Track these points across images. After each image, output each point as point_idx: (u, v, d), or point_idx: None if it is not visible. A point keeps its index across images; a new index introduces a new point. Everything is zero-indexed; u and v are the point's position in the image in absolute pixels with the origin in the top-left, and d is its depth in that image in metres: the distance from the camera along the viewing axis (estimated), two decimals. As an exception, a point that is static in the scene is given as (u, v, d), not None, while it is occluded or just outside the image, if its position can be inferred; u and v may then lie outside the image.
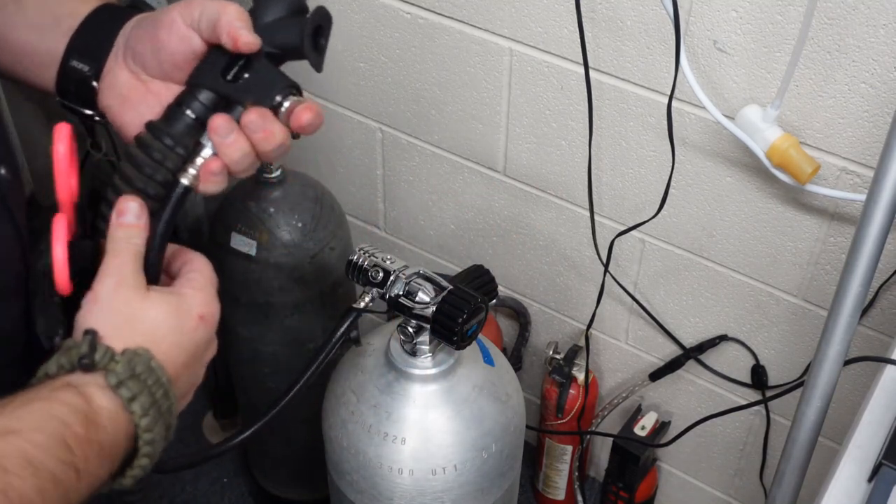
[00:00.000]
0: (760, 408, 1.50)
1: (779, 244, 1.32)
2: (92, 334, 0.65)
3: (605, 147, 1.38)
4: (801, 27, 1.08)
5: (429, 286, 1.10)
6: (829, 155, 1.20)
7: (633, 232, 1.41)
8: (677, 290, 1.47)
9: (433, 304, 1.08)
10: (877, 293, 1.27)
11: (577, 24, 1.22)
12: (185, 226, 1.66)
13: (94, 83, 0.76)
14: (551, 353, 1.63)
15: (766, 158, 1.19)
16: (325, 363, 1.10)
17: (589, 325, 1.54)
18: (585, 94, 1.29)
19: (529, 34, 1.35)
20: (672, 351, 1.54)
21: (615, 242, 1.43)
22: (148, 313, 0.67)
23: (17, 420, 0.59)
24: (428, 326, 1.09)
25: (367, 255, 1.13)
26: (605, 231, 1.46)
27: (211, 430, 1.96)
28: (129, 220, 0.69)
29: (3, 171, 0.77)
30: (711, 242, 1.38)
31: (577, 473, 1.75)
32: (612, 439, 1.64)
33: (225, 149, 0.70)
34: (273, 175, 1.42)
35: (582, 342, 1.59)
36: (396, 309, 1.11)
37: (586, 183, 1.39)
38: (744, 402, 1.50)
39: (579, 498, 1.77)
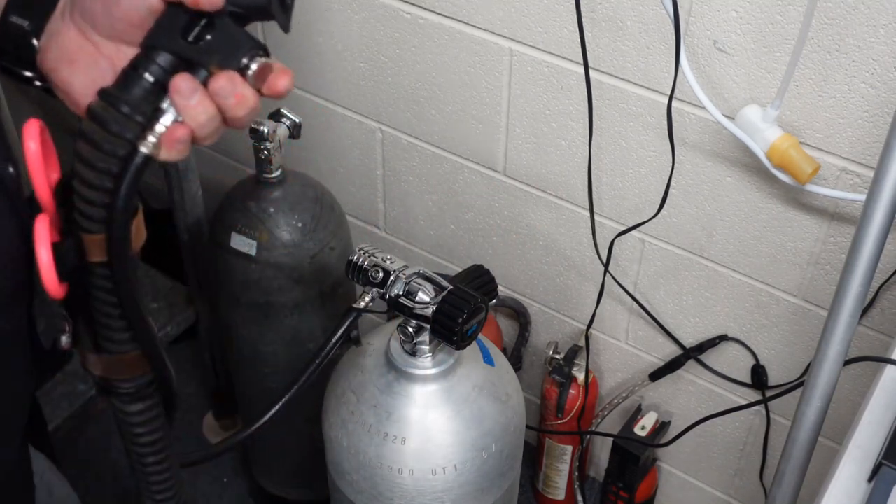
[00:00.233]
0: (760, 408, 1.50)
1: (779, 244, 1.32)
2: None
3: (605, 147, 1.38)
4: (801, 27, 1.08)
5: (429, 286, 1.10)
6: (829, 155, 1.20)
7: (633, 232, 1.41)
8: (677, 290, 1.47)
9: (433, 304, 1.08)
10: (877, 293, 1.27)
11: (577, 24, 1.22)
12: (186, 226, 1.66)
13: (35, 41, 0.68)
14: (551, 353, 1.63)
15: (766, 158, 1.19)
16: (324, 363, 1.10)
17: (589, 325, 1.54)
18: (585, 94, 1.29)
19: (529, 34, 1.35)
20: (672, 351, 1.54)
21: (615, 242, 1.43)
22: None
23: None
24: (428, 326, 1.09)
25: (367, 255, 1.13)
26: (605, 231, 1.46)
27: (211, 430, 1.96)
28: None
29: (10, 169, 0.76)
30: (711, 242, 1.38)
31: (577, 473, 1.75)
32: (612, 439, 1.64)
33: (190, 111, 0.64)
34: (273, 175, 1.41)
35: (582, 342, 1.59)
36: (396, 309, 1.11)
37: (586, 183, 1.39)
38: (744, 402, 1.50)
39: (579, 498, 1.77)
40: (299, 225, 1.44)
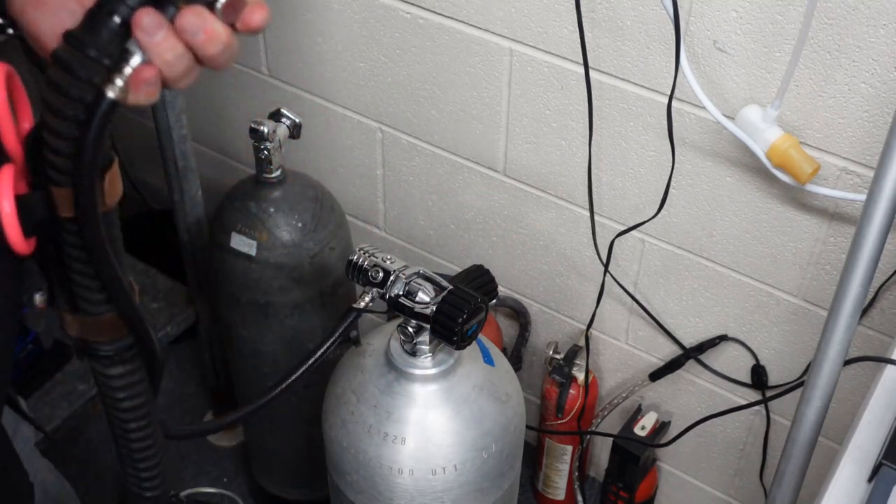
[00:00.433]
0: (760, 408, 1.50)
1: (779, 244, 1.32)
2: None
3: (605, 147, 1.38)
4: (801, 27, 1.08)
5: (429, 286, 1.10)
6: (829, 155, 1.20)
7: (633, 232, 1.41)
8: (677, 290, 1.47)
9: (433, 304, 1.08)
10: (877, 293, 1.27)
11: (577, 24, 1.23)
12: (186, 226, 1.66)
13: None
14: (551, 353, 1.63)
15: (766, 158, 1.19)
16: (324, 356, 1.10)
17: (589, 325, 1.54)
18: (585, 94, 1.29)
19: (529, 34, 1.35)
20: (672, 351, 1.54)
21: (615, 242, 1.43)
22: None
23: None
24: (428, 326, 1.09)
25: (367, 255, 1.13)
26: (605, 231, 1.46)
27: (211, 430, 1.96)
28: None
29: None
30: (711, 242, 1.38)
31: (577, 473, 1.75)
32: (612, 439, 1.64)
33: (155, 49, 0.60)
34: (273, 175, 1.41)
35: (582, 342, 1.59)
36: (396, 309, 1.11)
37: (586, 183, 1.39)
38: (744, 402, 1.50)
39: (579, 498, 1.77)
40: (299, 225, 1.44)
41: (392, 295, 1.11)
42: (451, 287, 1.09)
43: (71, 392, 1.67)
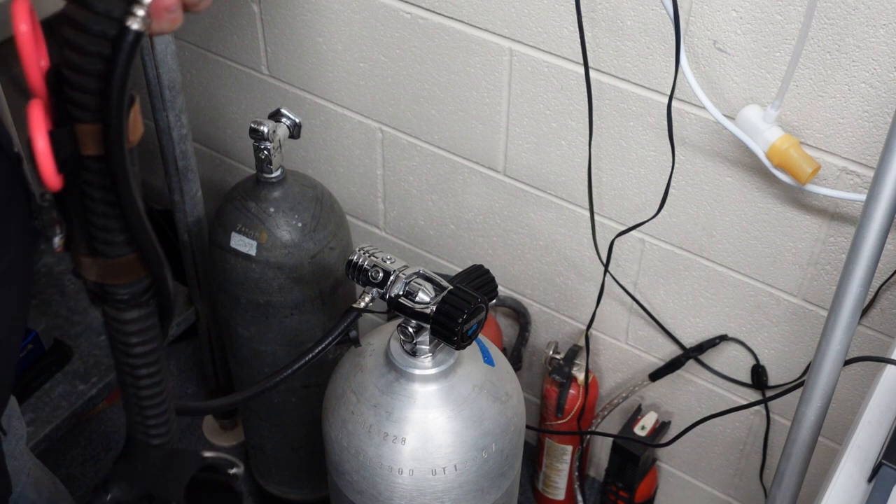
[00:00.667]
0: (760, 408, 1.50)
1: (779, 244, 1.32)
2: None
3: (605, 147, 1.38)
4: (801, 27, 1.08)
5: (429, 286, 1.10)
6: (829, 155, 1.20)
7: (633, 232, 1.41)
8: (677, 290, 1.47)
9: (433, 304, 1.08)
10: (877, 293, 1.27)
11: (577, 24, 1.23)
12: (185, 226, 1.66)
13: None
14: (551, 353, 1.63)
15: (766, 159, 1.19)
16: (326, 349, 1.10)
17: (589, 325, 1.54)
18: (585, 94, 1.29)
19: (529, 34, 1.35)
20: (672, 351, 1.54)
21: (615, 242, 1.43)
22: None
23: None
24: (428, 326, 1.09)
25: (367, 255, 1.13)
26: (605, 231, 1.46)
27: (211, 431, 1.96)
28: None
29: (16, 150, 0.76)
30: (711, 242, 1.38)
31: (577, 473, 1.75)
32: (612, 439, 1.64)
33: None
34: (273, 175, 1.41)
35: (582, 342, 1.59)
36: (396, 309, 1.11)
37: (586, 183, 1.39)
38: (744, 402, 1.50)
39: (579, 498, 1.77)
40: (299, 225, 1.44)
41: (392, 295, 1.11)
42: (451, 287, 1.09)
43: (71, 392, 1.67)
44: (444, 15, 1.41)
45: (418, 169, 1.62)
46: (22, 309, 0.89)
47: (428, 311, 1.08)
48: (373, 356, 1.19)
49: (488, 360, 1.21)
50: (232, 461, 0.84)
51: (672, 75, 1.21)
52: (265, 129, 1.35)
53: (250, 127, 1.35)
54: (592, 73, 1.30)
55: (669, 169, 1.29)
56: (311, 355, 1.11)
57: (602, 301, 1.50)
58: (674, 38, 1.16)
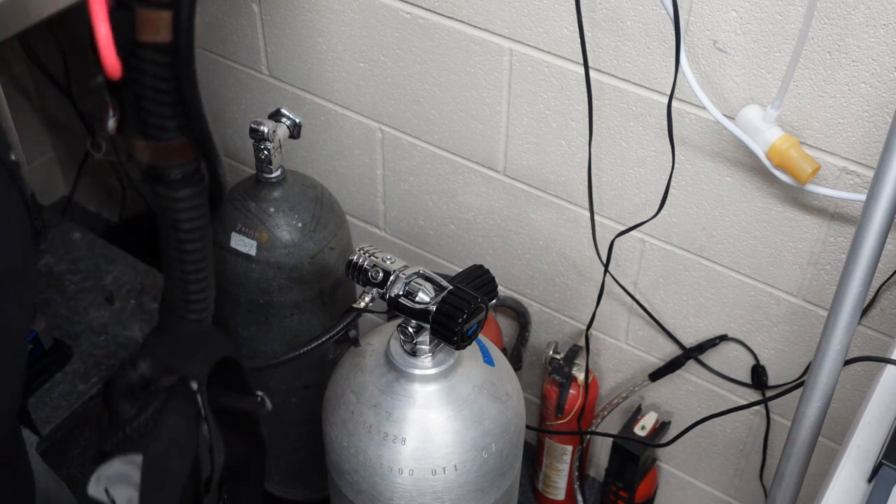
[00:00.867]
0: (760, 408, 1.50)
1: (779, 244, 1.32)
2: None
3: (605, 147, 1.38)
4: (801, 27, 1.08)
5: (429, 286, 1.10)
6: (829, 155, 1.20)
7: (633, 232, 1.41)
8: (677, 290, 1.47)
9: (433, 304, 1.08)
10: (877, 293, 1.27)
11: (577, 24, 1.23)
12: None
13: None
14: (551, 353, 1.63)
15: (766, 159, 1.19)
16: (325, 344, 1.10)
17: (589, 325, 1.54)
18: (585, 94, 1.29)
19: (529, 34, 1.35)
20: (672, 351, 1.54)
21: (615, 242, 1.43)
22: None
23: None
24: (428, 326, 1.09)
25: (367, 255, 1.14)
26: (605, 231, 1.46)
27: (211, 430, 1.96)
28: None
29: (14, 157, 0.77)
30: (711, 242, 1.38)
31: (577, 473, 1.75)
32: (612, 439, 1.64)
33: None
34: (273, 175, 1.42)
35: (582, 342, 1.59)
36: (396, 309, 1.11)
37: (586, 183, 1.39)
38: (744, 402, 1.50)
39: (579, 498, 1.77)
40: (299, 225, 1.44)
41: (392, 295, 1.11)
42: (451, 287, 1.09)
43: (71, 392, 1.67)
44: (444, 15, 1.41)
45: (418, 169, 1.62)
46: (24, 310, 0.89)
47: (428, 311, 1.08)
48: (373, 356, 1.19)
49: (488, 360, 1.21)
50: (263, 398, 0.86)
51: (672, 75, 1.21)
52: (265, 129, 1.35)
53: (250, 127, 1.35)
54: (592, 73, 1.30)
55: (669, 169, 1.29)
56: (311, 346, 1.12)
57: (602, 301, 1.50)
58: (674, 38, 1.16)
